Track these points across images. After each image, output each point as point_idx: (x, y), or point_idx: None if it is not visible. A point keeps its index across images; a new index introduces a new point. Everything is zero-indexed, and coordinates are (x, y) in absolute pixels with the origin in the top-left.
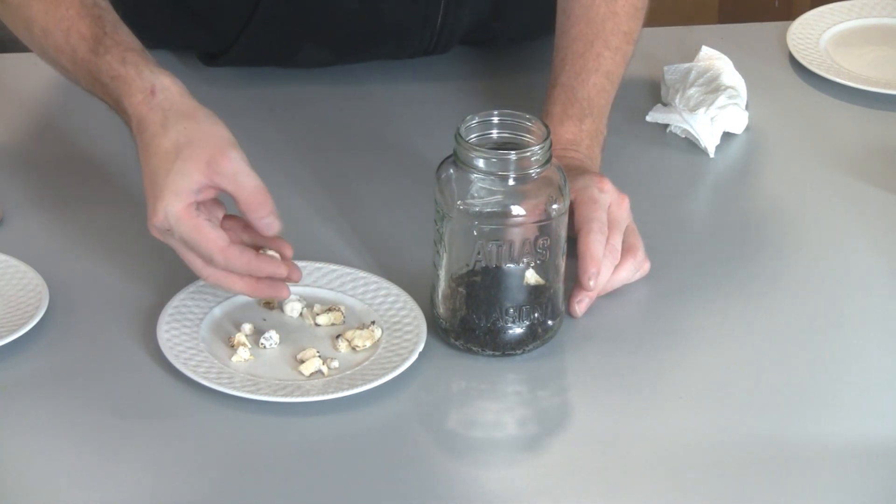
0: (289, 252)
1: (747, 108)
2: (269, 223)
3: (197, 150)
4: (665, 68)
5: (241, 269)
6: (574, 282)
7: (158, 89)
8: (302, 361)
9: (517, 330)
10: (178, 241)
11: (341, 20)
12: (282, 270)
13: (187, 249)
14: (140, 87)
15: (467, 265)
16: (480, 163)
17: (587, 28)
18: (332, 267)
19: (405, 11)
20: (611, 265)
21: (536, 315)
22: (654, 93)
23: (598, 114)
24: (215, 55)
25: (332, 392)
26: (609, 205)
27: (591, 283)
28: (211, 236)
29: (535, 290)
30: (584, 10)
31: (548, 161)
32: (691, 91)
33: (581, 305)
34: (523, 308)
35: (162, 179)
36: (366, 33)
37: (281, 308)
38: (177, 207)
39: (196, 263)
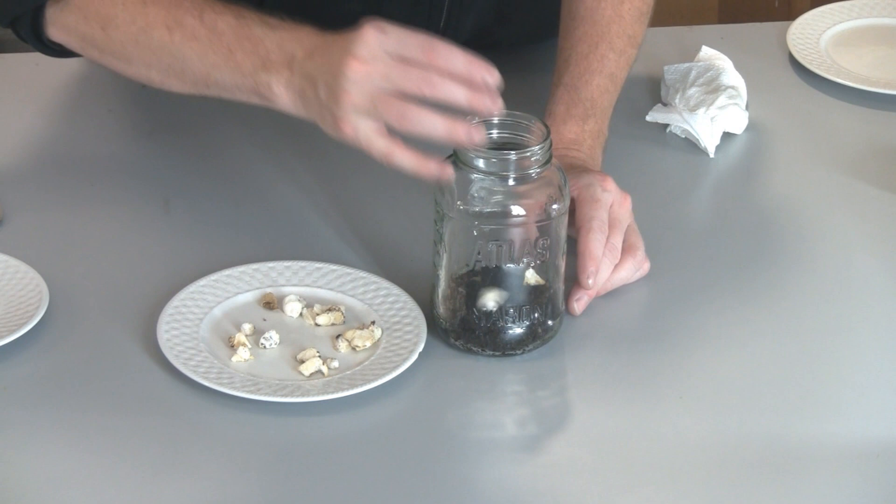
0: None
1: (747, 108)
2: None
3: None
4: (665, 68)
5: (460, 57)
6: (574, 281)
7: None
8: (302, 361)
9: (517, 330)
10: (389, 64)
11: (344, 23)
12: (494, 75)
13: (404, 65)
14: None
15: (467, 265)
16: (480, 163)
17: (592, 29)
18: (332, 267)
19: (408, 16)
20: (610, 264)
21: (536, 315)
22: (654, 93)
23: (601, 115)
24: None
25: (332, 392)
26: (611, 204)
27: (590, 281)
28: (418, 32)
29: (535, 290)
30: (590, 13)
31: (548, 161)
32: (691, 91)
33: (580, 303)
34: (523, 308)
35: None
36: None
37: (281, 308)
38: (376, 26)
39: (414, 76)
